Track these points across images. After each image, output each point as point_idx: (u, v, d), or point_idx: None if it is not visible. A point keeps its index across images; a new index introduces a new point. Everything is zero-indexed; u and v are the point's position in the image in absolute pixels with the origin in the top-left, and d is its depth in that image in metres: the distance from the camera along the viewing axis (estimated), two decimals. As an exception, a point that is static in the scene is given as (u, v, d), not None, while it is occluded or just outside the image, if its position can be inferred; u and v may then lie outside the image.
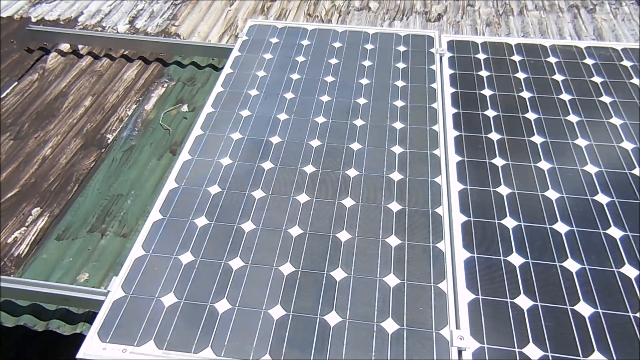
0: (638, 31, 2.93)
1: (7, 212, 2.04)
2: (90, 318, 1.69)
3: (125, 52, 2.90)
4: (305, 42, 2.55)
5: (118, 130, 2.44)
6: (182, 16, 3.21)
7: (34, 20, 3.15)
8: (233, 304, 1.48)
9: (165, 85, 2.71)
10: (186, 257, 1.62)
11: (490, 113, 2.13)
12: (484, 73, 2.34)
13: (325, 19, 3.18)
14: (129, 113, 2.54)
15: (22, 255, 1.89)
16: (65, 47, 2.93)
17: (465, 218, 1.72)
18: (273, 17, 3.20)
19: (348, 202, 1.77)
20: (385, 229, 1.69)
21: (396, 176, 1.86)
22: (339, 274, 1.55)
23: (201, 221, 1.73)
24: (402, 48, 2.50)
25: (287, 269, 1.57)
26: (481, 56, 2.44)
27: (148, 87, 2.69)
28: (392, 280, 1.54)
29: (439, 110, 2.14)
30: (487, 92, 2.24)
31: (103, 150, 2.34)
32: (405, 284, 1.53)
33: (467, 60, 2.42)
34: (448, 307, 1.47)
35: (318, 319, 1.44)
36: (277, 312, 1.46)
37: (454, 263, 1.59)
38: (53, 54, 2.88)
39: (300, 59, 2.45)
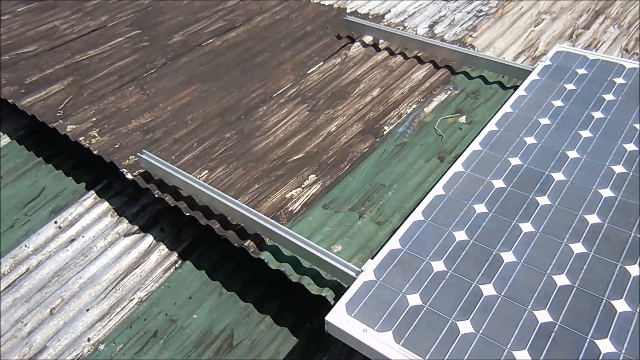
0: None
1: (291, 171, 2.34)
2: (334, 287, 1.83)
3: (419, 54, 3.02)
4: (619, 80, 2.27)
5: (395, 124, 2.57)
6: (482, 29, 3.19)
7: (348, 11, 3.51)
8: (476, 330, 1.42)
9: (449, 92, 2.74)
10: (438, 265, 1.62)
11: None
12: None
13: (643, 58, 2.79)
14: (408, 111, 2.65)
15: (294, 212, 2.15)
16: (368, 39, 3.20)
17: None
18: (581, 45, 2.94)
19: (634, 269, 1.53)
20: (676, 317, 1.40)
21: None
22: (605, 346, 1.35)
23: (460, 235, 1.70)
24: None
25: (543, 316, 1.44)
26: None
27: (431, 91, 2.76)
28: (672, 379, 1.28)
29: None
30: None
31: (378, 139, 2.50)
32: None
33: None
34: None
35: (567, 384, 1.29)
36: (522, 356, 1.35)
37: None
38: (357, 43, 3.17)
39: (609, 97, 2.19)
